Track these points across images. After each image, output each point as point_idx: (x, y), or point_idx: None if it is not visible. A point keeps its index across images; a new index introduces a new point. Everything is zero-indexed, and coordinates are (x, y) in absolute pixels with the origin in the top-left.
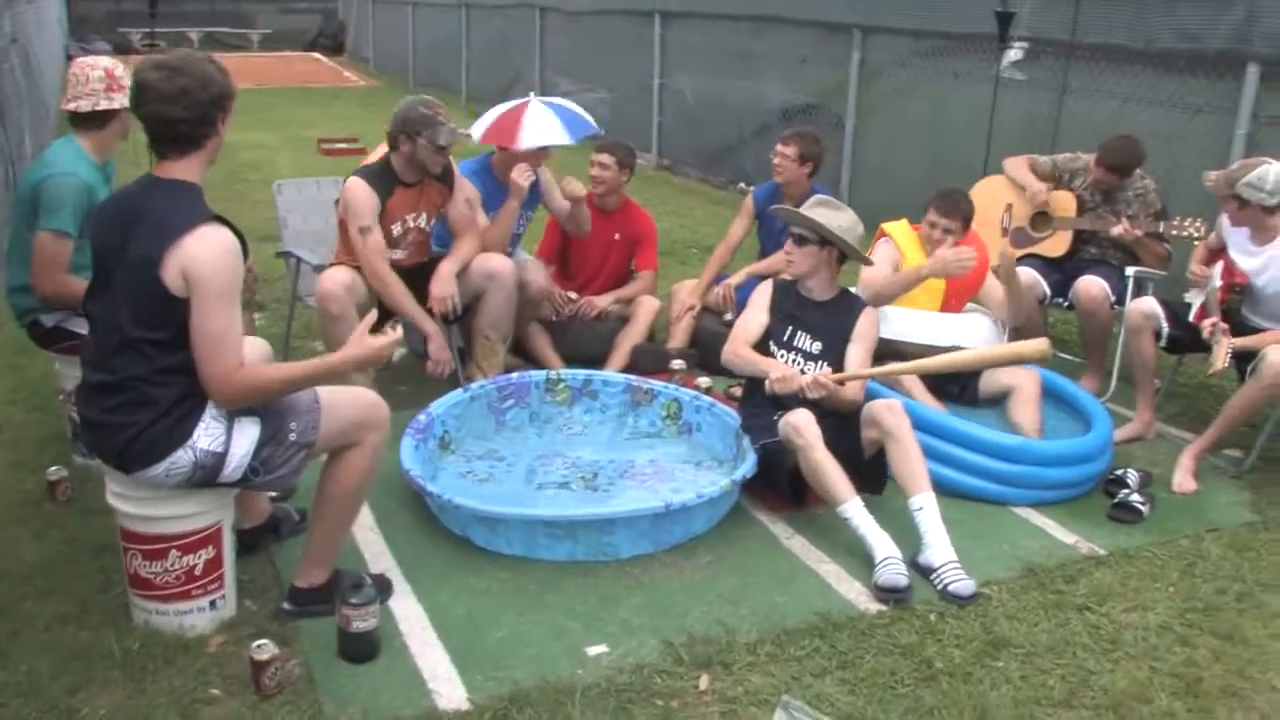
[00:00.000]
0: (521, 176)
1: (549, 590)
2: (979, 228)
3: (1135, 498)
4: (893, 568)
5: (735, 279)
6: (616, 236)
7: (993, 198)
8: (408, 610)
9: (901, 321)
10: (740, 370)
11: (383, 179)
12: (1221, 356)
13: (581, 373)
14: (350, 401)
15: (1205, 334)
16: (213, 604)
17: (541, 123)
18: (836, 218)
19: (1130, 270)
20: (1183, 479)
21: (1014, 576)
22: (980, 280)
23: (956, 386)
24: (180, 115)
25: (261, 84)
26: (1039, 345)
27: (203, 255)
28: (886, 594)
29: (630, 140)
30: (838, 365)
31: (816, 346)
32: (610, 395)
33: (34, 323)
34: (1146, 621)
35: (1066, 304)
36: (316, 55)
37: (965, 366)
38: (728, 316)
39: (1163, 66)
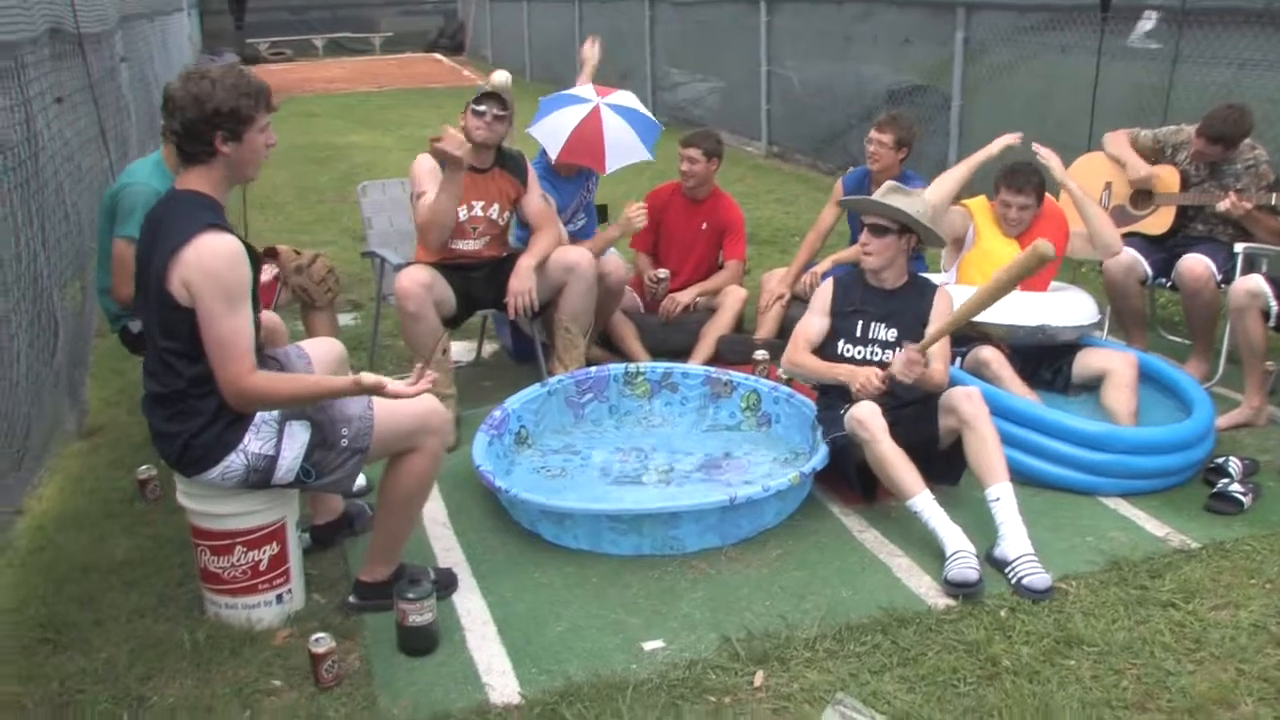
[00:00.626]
0: (637, 216)
1: (612, 584)
2: None
3: (1235, 487)
4: (963, 561)
5: (821, 266)
6: (704, 226)
7: (1092, 175)
8: (471, 604)
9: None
10: (805, 377)
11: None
12: None
13: (661, 365)
14: (406, 408)
15: None
16: (279, 598)
17: (623, 141)
18: (913, 203)
19: (1239, 247)
20: None
21: (1095, 570)
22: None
23: (1049, 372)
24: (174, 128)
25: (381, 86)
26: (1037, 250)
27: (199, 262)
28: (956, 589)
29: (740, 128)
30: None
31: (893, 334)
32: (690, 388)
33: (124, 329)
34: (1237, 620)
35: (1170, 284)
36: (437, 56)
37: (989, 302)
38: None
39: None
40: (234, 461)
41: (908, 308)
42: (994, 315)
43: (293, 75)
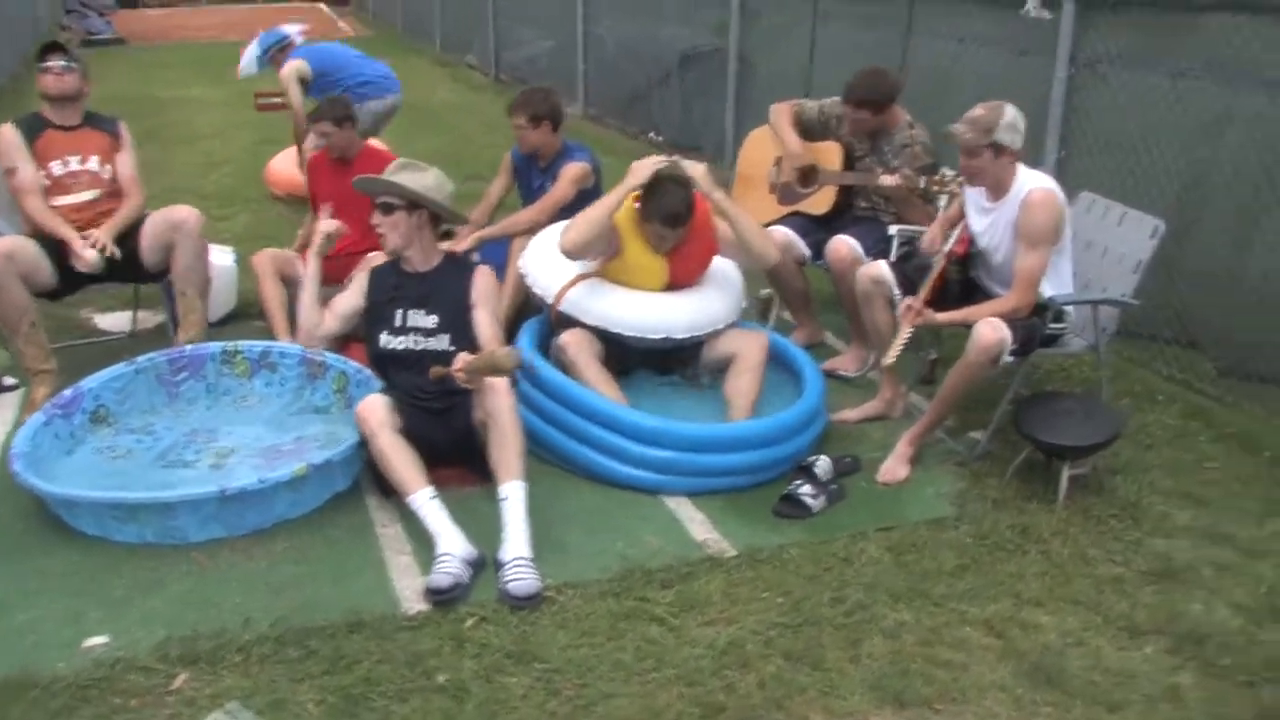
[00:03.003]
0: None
1: (107, 573)
2: (750, 181)
3: (805, 489)
4: (443, 565)
5: (465, 244)
6: None
7: (765, 149)
8: None
9: (610, 306)
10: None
11: (31, 121)
12: (893, 349)
13: (260, 344)
14: None
15: (899, 313)
16: None
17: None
18: (421, 179)
19: (893, 229)
20: (893, 466)
21: (603, 579)
22: (708, 258)
23: (676, 364)
24: None
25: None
26: (498, 364)
27: None
28: (429, 594)
29: (562, 88)
30: (462, 335)
31: (433, 320)
32: (288, 367)
33: None
34: (718, 638)
35: (825, 266)
36: (321, 5)
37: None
38: None
39: (996, 4)
40: None
41: (444, 290)
42: (618, 324)
43: (166, 22)
